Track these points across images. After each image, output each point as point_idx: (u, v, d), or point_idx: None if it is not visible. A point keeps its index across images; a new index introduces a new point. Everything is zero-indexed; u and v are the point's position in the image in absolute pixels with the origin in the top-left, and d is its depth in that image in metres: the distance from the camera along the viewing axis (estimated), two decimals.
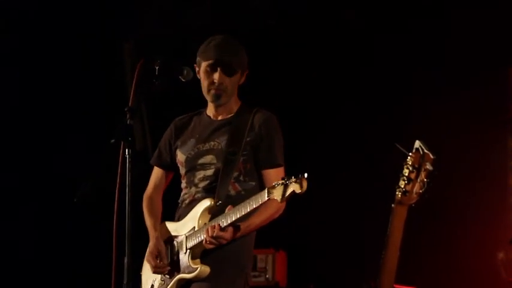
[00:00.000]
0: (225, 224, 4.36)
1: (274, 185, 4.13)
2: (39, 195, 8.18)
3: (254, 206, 4.23)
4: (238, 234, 4.49)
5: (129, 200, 3.97)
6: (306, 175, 4.01)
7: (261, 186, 4.63)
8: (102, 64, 8.44)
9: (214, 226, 4.35)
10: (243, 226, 4.47)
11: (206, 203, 4.58)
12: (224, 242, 4.45)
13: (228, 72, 4.68)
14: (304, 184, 4.00)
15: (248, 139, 4.65)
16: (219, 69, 4.68)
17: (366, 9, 7.92)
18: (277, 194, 4.08)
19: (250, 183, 4.67)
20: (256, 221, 4.53)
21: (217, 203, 4.56)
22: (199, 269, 4.49)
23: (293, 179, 4.03)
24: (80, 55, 8.39)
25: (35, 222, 8.25)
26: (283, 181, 4.07)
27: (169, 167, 4.92)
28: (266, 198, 4.16)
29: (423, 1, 7.78)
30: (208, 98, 4.77)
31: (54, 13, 8.32)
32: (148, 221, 4.79)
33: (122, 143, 4.05)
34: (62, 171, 7.87)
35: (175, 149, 4.85)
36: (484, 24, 7.38)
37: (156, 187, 4.96)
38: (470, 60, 7.38)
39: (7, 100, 8.21)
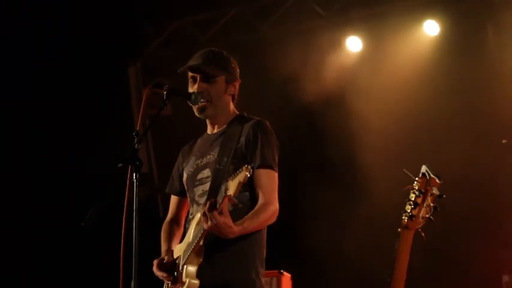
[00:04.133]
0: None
1: (226, 181, 3.98)
2: (47, 219, 8.19)
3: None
4: (236, 229, 4.21)
5: (136, 223, 3.98)
6: (251, 165, 3.93)
7: (253, 197, 4.43)
8: (106, 88, 8.47)
9: (209, 202, 4.12)
10: (239, 225, 4.23)
11: (197, 216, 4.45)
12: (222, 225, 4.11)
13: (205, 78, 4.56)
14: (248, 172, 3.88)
15: (237, 146, 4.48)
16: (198, 77, 4.58)
17: None
18: (231, 189, 3.95)
19: (244, 193, 4.40)
20: (251, 224, 4.31)
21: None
22: (186, 282, 4.42)
23: (239, 171, 3.92)
24: (85, 79, 8.43)
25: (42, 246, 8.26)
26: (233, 175, 3.95)
27: (182, 192, 4.89)
28: (224, 195, 4.00)
29: None
30: (196, 113, 4.65)
31: (59, 36, 8.37)
32: (162, 247, 4.76)
33: (130, 167, 4.05)
34: (70, 195, 7.88)
35: (182, 171, 4.83)
36: None
37: (173, 214, 4.88)
38: None
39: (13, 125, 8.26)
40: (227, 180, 4.00)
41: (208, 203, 4.12)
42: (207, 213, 4.09)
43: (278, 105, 8.41)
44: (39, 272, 8.32)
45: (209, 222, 4.10)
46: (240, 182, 3.93)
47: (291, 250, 7.75)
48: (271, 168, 4.46)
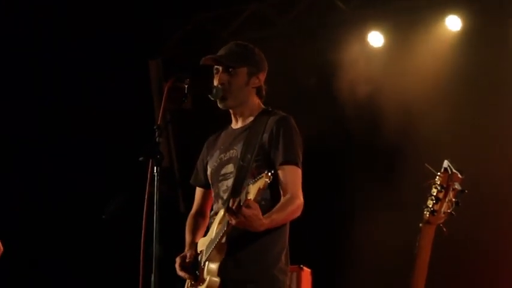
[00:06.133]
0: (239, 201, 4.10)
1: (248, 185, 4.00)
2: (67, 212, 8.24)
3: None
4: (266, 221, 4.19)
5: (157, 218, 3.98)
6: (272, 171, 3.92)
7: (276, 193, 4.42)
8: (128, 81, 8.50)
9: (234, 200, 4.11)
10: (268, 218, 4.22)
11: (220, 213, 4.47)
12: (252, 217, 4.08)
13: (226, 70, 4.55)
14: (268, 179, 3.89)
15: (261, 142, 4.46)
16: (219, 69, 4.59)
17: None
18: (252, 194, 3.97)
19: (266, 190, 4.24)
20: (279, 216, 4.31)
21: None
22: (207, 280, 4.43)
23: (259, 176, 3.93)
24: (107, 72, 8.46)
25: (62, 240, 8.31)
26: (254, 180, 3.97)
27: (206, 184, 4.85)
28: (245, 199, 4.01)
29: None
30: (218, 104, 4.62)
31: (78, 32, 8.41)
32: (186, 239, 4.76)
33: (151, 160, 4.06)
34: (91, 189, 7.92)
35: (206, 164, 4.83)
36: None
37: (198, 206, 4.86)
38: None
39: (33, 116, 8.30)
40: (248, 184, 4.02)
41: (232, 199, 4.12)
42: (233, 209, 4.08)
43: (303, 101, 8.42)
44: (59, 265, 8.36)
45: (238, 218, 4.08)
46: (259, 188, 3.95)
47: (312, 245, 7.72)
48: (295, 164, 4.45)
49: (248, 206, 4.06)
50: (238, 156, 4.51)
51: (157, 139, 4.12)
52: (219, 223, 4.42)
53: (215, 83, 4.62)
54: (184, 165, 8.76)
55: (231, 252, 4.39)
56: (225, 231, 4.25)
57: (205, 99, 4.63)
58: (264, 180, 3.92)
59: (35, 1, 8.17)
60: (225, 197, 4.54)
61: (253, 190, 3.97)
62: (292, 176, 4.39)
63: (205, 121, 6.25)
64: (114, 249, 8.02)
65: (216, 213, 4.55)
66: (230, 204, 4.11)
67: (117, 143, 8.19)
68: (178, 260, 4.56)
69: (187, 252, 4.60)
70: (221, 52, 4.67)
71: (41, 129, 8.39)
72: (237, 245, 4.38)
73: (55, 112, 8.47)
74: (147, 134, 4.26)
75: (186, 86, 4.36)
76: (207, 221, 4.80)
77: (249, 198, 3.98)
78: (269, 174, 3.91)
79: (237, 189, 4.40)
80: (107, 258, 8.20)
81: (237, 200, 4.09)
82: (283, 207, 4.35)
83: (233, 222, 4.12)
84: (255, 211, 4.11)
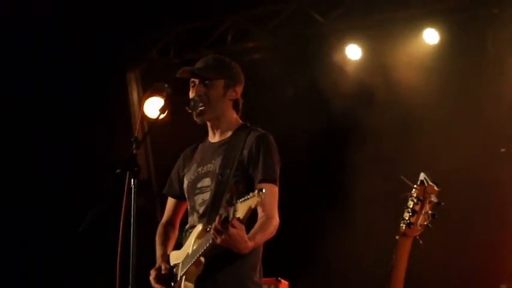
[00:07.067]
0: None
1: (235, 203, 3.97)
2: (43, 225, 8.19)
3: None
4: (250, 243, 4.19)
5: (134, 230, 3.97)
6: (263, 190, 3.87)
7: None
8: (106, 93, 8.48)
9: (220, 216, 4.09)
10: (252, 240, 4.22)
11: (198, 228, 4.46)
12: (237, 237, 4.07)
13: (202, 82, 4.57)
14: (259, 199, 3.85)
15: (240, 158, 4.47)
16: (196, 82, 4.60)
17: None
18: (240, 212, 3.92)
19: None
20: (261, 238, 4.33)
21: (207, 228, 4.30)
22: None
23: (251, 195, 3.88)
24: (84, 83, 8.44)
25: (38, 253, 8.26)
26: (243, 198, 3.92)
27: (180, 196, 4.87)
28: (232, 217, 3.95)
29: None
30: (195, 118, 4.61)
31: (58, 40, 8.38)
32: (157, 251, 4.74)
33: (128, 172, 4.05)
34: (68, 200, 7.88)
35: (183, 177, 4.82)
36: None
37: (169, 216, 4.87)
38: None
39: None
40: (236, 202, 3.97)
41: (218, 217, 4.08)
42: (219, 227, 4.04)
43: None
44: (36, 279, 8.30)
45: (223, 236, 4.05)
46: (250, 208, 3.91)
47: (289, 257, 7.73)
48: (273, 182, 4.47)
49: (233, 226, 4.04)
50: (217, 171, 4.52)
51: (134, 151, 4.11)
52: (197, 237, 4.40)
53: (191, 95, 4.62)
54: (162, 177, 8.75)
55: (209, 270, 4.38)
56: (206, 248, 4.22)
57: (182, 111, 4.62)
58: (256, 199, 3.88)
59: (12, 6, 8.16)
60: (201, 211, 4.54)
61: (242, 208, 3.92)
62: (270, 195, 4.36)
63: (184, 132, 6.23)
64: (90, 262, 7.98)
65: (192, 227, 4.54)
66: (216, 222, 4.07)
67: (93, 154, 8.17)
68: (153, 272, 4.54)
69: (161, 264, 4.58)
70: (198, 65, 4.69)
71: (18, 139, 8.34)
72: (213, 260, 4.36)
73: (32, 121, 8.42)
74: (125, 146, 4.24)
75: (164, 98, 4.36)
76: (177, 232, 4.82)
77: (237, 216, 3.94)
78: (260, 193, 3.87)
79: (216, 204, 4.42)
80: (84, 270, 8.15)
81: (223, 216, 4.05)
82: (264, 228, 4.36)
83: (218, 240, 4.09)
84: (241, 232, 4.10)
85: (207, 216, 4.45)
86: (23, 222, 8.25)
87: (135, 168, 4.05)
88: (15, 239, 8.26)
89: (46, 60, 8.40)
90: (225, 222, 4.04)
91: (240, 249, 4.18)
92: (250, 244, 4.21)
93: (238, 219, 3.95)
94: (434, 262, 7.27)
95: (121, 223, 4.02)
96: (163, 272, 4.52)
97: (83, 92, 8.44)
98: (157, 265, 4.60)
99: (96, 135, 8.35)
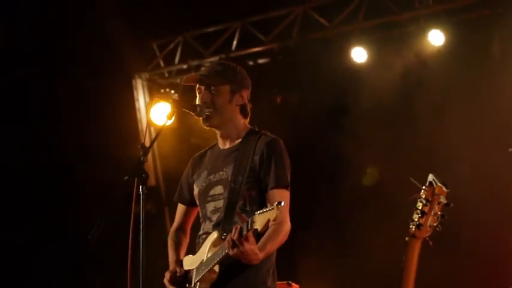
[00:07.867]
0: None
1: (255, 214, 3.98)
2: (53, 232, 8.21)
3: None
4: (261, 255, 4.23)
5: (143, 237, 3.97)
6: (282, 203, 3.90)
7: None
8: (114, 100, 8.49)
9: (236, 228, 4.12)
10: (262, 250, 4.23)
11: (213, 236, 4.47)
12: (248, 252, 4.11)
13: (208, 89, 4.57)
14: (279, 212, 3.88)
15: (251, 165, 4.48)
16: (202, 88, 4.60)
17: None
18: (258, 224, 3.96)
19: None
20: (272, 247, 4.35)
21: (222, 236, 4.37)
22: None
23: (269, 208, 3.92)
24: (91, 90, 8.46)
25: (48, 259, 8.27)
26: (261, 210, 3.97)
27: (190, 202, 4.87)
28: (249, 229, 4.01)
29: None
30: (202, 124, 4.61)
31: (66, 45, 8.41)
32: (170, 256, 4.76)
33: (136, 179, 4.05)
34: (77, 208, 7.90)
35: (192, 183, 4.83)
36: None
37: (180, 222, 4.90)
38: None
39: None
40: (254, 213, 4.00)
41: (234, 229, 4.10)
42: (234, 240, 4.08)
43: None
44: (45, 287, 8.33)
45: (235, 250, 4.09)
46: (269, 220, 3.93)
47: (300, 261, 7.74)
48: (285, 188, 4.48)
49: (247, 240, 4.08)
50: (229, 179, 4.53)
51: (142, 158, 4.11)
52: (212, 245, 4.42)
53: (197, 101, 4.63)
54: (170, 183, 8.75)
55: (223, 276, 4.39)
56: (221, 257, 4.25)
57: (191, 118, 4.63)
58: (274, 212, 3.90)
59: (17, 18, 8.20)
60: (214, 218, 4.55)
61: (260, 220, 3.96)
62: (282, 200, 4.38)
63: (191, 139, 6.25)
64: (99, 269, 7.99)
65: (206, 233, 4.55)
66: (232, 234, 4.10)
67: (103, 161, 8.18)
68: (167, 274, 4.56)
69: (176, 268, 4.60)
70: (203, 71, 4.69)
71: (22, 149, 8.37)
72: (228, 267, 4.37)
73: (40, 127, 8.45)
74: (132, 153, 4.24)
75: (170, 105, 4.37)
76: (188, 237, 4.85)
77: (255, 227, 3.97)
78: (279, 206, 3.90)
79: (230, 211, 4.44)
80: (92, 277, 8.16)
81: (238, 228, 4.08)
82: (275, 236, 4.36)
83: (231, 252, 4.12)
84: (252, 246, 4.13)
85: (222, 224, 4.46)
86: (31, 230, 8.27)
87: (143, 175, 4.06)
88: (21, 247, 8.27)
89: (51, 66, 8.43)
90: (241, 236, 4.07)
91: (251, 261, 4.20)
92: (261, 256, 4.23)
93: (256, 230, 3.98)
94: (444, 262, 7.26)
95: (130, 230, 4.03)
96: (178, 275, 4.54)
97: (91, 97, 8.45)
98: (171, 268, 4.62)
99: (102, 142, 8.35)
